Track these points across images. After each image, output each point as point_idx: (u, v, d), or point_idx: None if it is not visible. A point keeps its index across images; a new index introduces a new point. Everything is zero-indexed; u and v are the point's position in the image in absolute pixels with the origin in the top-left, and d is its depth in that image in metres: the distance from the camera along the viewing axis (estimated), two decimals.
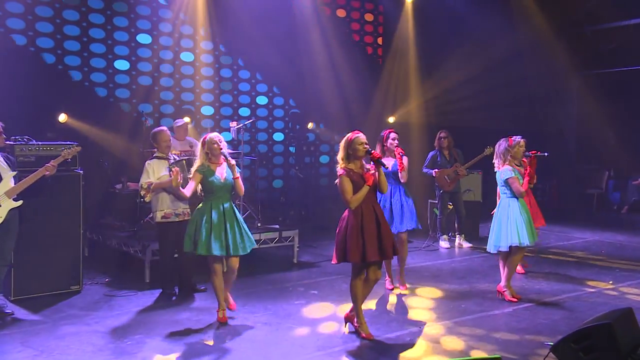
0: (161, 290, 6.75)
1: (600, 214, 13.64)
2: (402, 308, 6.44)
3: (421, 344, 5.32)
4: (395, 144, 6.74)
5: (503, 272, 6.73)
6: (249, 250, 5.88)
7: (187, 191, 5.71)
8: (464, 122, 12.06)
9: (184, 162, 6.60)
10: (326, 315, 6.06)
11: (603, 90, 13.54)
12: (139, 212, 7.84)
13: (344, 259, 5.32)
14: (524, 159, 6.89)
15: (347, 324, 5.59)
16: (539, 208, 8.02)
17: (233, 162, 5.79)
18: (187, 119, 9.99)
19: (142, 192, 6.45)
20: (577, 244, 10.09)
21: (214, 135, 5.84)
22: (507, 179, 6.56)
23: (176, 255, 6.78)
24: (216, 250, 5.61)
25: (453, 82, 12.53)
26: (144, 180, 6.44)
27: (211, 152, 5.74)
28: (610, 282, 7.51)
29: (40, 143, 6.49)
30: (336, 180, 5.38)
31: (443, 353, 5.13)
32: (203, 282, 6.85)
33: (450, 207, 9.88)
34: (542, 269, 8.14)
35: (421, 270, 8.08)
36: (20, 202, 5.85)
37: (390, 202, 6.84)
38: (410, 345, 5.31)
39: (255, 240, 7.91)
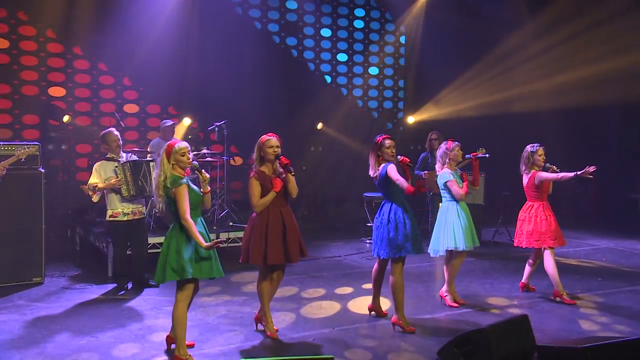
0: (115, 284, 7.19)
1: None
2: (330, 308, 6.46)
3: (319, 346, 5.31)
4: (392, 153, 5.84)
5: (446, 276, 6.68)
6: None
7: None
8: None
9: (130, 164, 6.94)
10: (249, 313, 6.11)
11: None
12: None
13: (247, 259, 5.49)
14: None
15: (258, 324, 5.74)
16: (557, 226, 6.92)
17: (208, 175, 5.16)
18: (187, 120, 10.53)
19: (90, 193, 6.89)
20: (581, 251, 9.68)
21: (184, 144, 5.01)
22: (446, 182, 6.49)
23: (129, 252, 7.20)
24: (220, 272, 4.97)
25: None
26: (90, 181, 6.85)
27: (179, 164, 4.91)
28: (579, 290, 7.23)
29: (2, 143, 7.05)
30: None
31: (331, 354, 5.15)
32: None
33: None
34: (517, 274, 7.83)
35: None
36: None
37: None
38: (309, 345, 5.32)
39: (226, 239, 8.32)
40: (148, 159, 7.38)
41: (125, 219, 6.91)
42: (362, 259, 8.94)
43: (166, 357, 5.04)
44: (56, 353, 5.09)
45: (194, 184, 5.07)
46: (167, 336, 5.17)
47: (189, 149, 5.02)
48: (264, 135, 5.51)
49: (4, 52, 10.07)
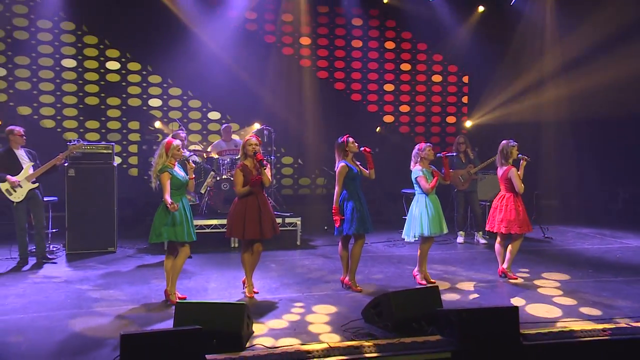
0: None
1: None
2: (316, 279, 7.50)
3: (281, 307, 6.29)
4: (356, 147, 6.88)
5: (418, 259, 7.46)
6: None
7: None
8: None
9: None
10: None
11: None
12: None
13: (231, 234, 6.70)
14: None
15: (244, 286, 6.93)
16: (525, 215, 7.64)
17: (194, 165, 6.59)
18: (257, 125, 11.94)
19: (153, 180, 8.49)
20: (605, 248, 9.77)
21: (178, 142, 6.42)
22: (416, 177, 7.27)
23: None
24: (194, 236, 6.37)
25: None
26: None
27: (174, 157, 6.29)
28: (558, 279, 7.62)
29: (86, 142, 8.83)
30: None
31: (283, 310, 6.17)
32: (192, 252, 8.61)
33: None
34: (514, 264, 8.08)
35: (398, 257, 8.93)
36: (37, 184, 8.08)
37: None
38: (269, 303, 6.42)
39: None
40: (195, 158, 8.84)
41: None
42: (384, 247, 9.79)
43: (160, 302, 6.40)
44: (89, 297, 6.67)
45: (184, 171, 6.43)
46: (165, 290, 6.52)
47: (181, 145, 6.44)
48: (247, 136, 6.76)
49: (115, 72, 12.12)
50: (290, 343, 5.19)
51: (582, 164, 12.91)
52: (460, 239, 10.18)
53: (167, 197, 6.13)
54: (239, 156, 10.15)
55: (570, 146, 13.09)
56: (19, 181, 7.92)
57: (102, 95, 12.00)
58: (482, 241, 10.06)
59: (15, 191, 7.93)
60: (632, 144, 12.92)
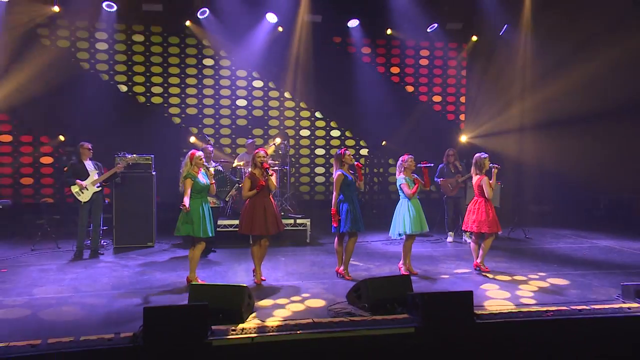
0: None
1: None
2: (317, 269, 8.02)
3: (282, 291, 6.85)
4: (351, 159, 7.44)
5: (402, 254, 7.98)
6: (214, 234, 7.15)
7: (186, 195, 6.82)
8: None
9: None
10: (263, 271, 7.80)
11: None
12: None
13: (242, 230, 7.31)
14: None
15: (254, 274, 7.55)
16: (494, 217, 7.93)
17: (213, 172, 7.28)
18: (278, 140, 12.60)
19: None
20: (573, 247, 10.10)
21: (200, 153, 7.03)
22: (400, 184, 7.81)
23: None
24: (209, 233, 6.98)
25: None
26: None
27: (197, 165, 6.90)
28: (527, 271, 8.00)
29: (130, 155, 9.58)
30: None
31: (283, 295, 6.74)
32: (217, 247, 9.31)
33: None
34: (492, 261, 8.57)
35: (392, 253, 9.42)
36: (100, 188, 8.89)
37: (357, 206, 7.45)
38: (272, 287, 7.02)
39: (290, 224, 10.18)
40: (219, 168, 9.52)
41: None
42: (383, 244, 10.26)
43: (183, 287, 7.05)
44: (127, 281, 7.38)
45: (206, 177, 7.07)
46: (187, 277, 7.18)
47: (203, 156, 7.09)
48: (257, 149, 7.38)
49: (158, 95, 12.95)
50: (283, 319, 5.77)
51: (570, 173, 13.12)
52: (449, 239, 10.62)
53: (185, 199, 6.79)
54: None
55: (559, 156, 13.29)
56: (86, 185, 8.85)
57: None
58: (469, 241, 10.39)
59: (82, 193, 8.85)
60: (613, 154, 13.16)
